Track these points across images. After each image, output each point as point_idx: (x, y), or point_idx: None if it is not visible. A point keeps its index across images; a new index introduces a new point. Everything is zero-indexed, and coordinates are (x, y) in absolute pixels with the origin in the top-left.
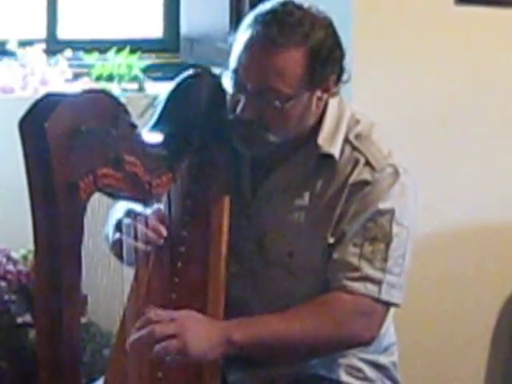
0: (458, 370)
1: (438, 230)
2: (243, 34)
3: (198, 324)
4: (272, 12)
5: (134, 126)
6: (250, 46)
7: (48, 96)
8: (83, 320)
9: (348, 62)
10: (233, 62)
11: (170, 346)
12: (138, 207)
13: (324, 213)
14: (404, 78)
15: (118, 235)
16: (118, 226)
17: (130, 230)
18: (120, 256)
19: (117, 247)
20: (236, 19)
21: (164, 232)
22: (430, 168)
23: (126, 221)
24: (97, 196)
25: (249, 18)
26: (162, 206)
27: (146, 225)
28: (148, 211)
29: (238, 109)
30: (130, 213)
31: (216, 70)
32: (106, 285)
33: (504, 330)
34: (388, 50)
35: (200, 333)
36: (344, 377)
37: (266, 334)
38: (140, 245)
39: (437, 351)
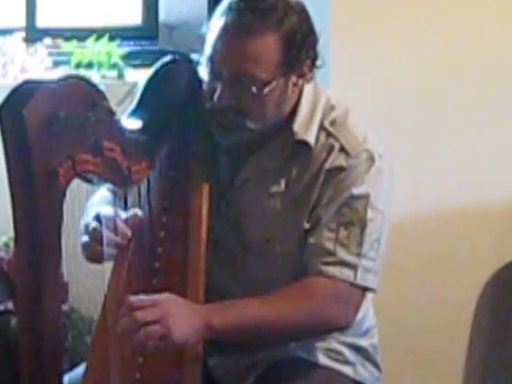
0: (439, 352)
1: (416, 213)
2: (217, 22)
3: (180, 308)
4: None
5: (112, 112)
6: (224, 33)
7: (26, 83)
8: (65, 307)
9: (325, 47)
10: (208, 49)
11: (153, 332)
12: (109, 209)
13: (300, 199)
14: (382, 62)
15: (84, 238)
16: (86, 229)
17: (95, 233)
18: (89, 259)
19: (84, 251)
20: (214, 5)
21: (129, 233)
22: (406, 152)
23: (92, 224)
24: (76, 182)
25: (222, 6)
26: (139, 212)
27: (113, 227)
28: (123, 215)
29: (215, 96)
30: (98, 216)
31: (195, 57)
32: (87, 271)
33: (484, 312)
34: (366, 33)
35: (182, 317)
36: (324, 360)
37: (244, 319)
38: (105, 248)
39: (417, 334)
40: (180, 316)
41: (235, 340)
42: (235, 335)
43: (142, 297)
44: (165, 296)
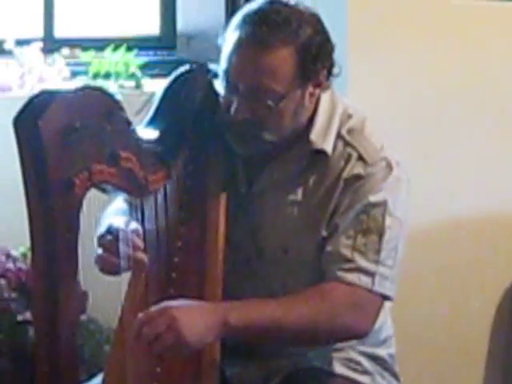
0: (457, 361)
1: (434, 221)
2: (232, 35)
3: (190, 310)
4: (260, 11)
5: (128, 122)
6: (239, 46)
7: (42, 93)
8: (83, 317)
9: (342, 55)
10: (223, 62)
11: (165, 341)
12: (119, 221)
13: (318, 208)
14: (399, 70)
15: (99, 251)
16: (99, 241)
17: (109, 246)
18: (102, 270)
19: (98, 263)
20: (232, 15)
21: (141, 245)
22: (424, 160)
23: (108, 237)
24: (93, 192)
25: (237, 18)
26: (139, 226)
27: (125, 239)
28: (133, 225)
29: (232, 109)
30: (109, 229)
31: (213, 67)
32: (105, 281)
33: (503, 322)
34: (383, 42)
35: (192, 318)
36: (342, 369)
37: (261, 317)
38: (122, 261)
39: (435, 343)
40: (190, 318)
41: (250, 339)
42: (252, 333)
43: (150, 310)
44: (173, 302)
